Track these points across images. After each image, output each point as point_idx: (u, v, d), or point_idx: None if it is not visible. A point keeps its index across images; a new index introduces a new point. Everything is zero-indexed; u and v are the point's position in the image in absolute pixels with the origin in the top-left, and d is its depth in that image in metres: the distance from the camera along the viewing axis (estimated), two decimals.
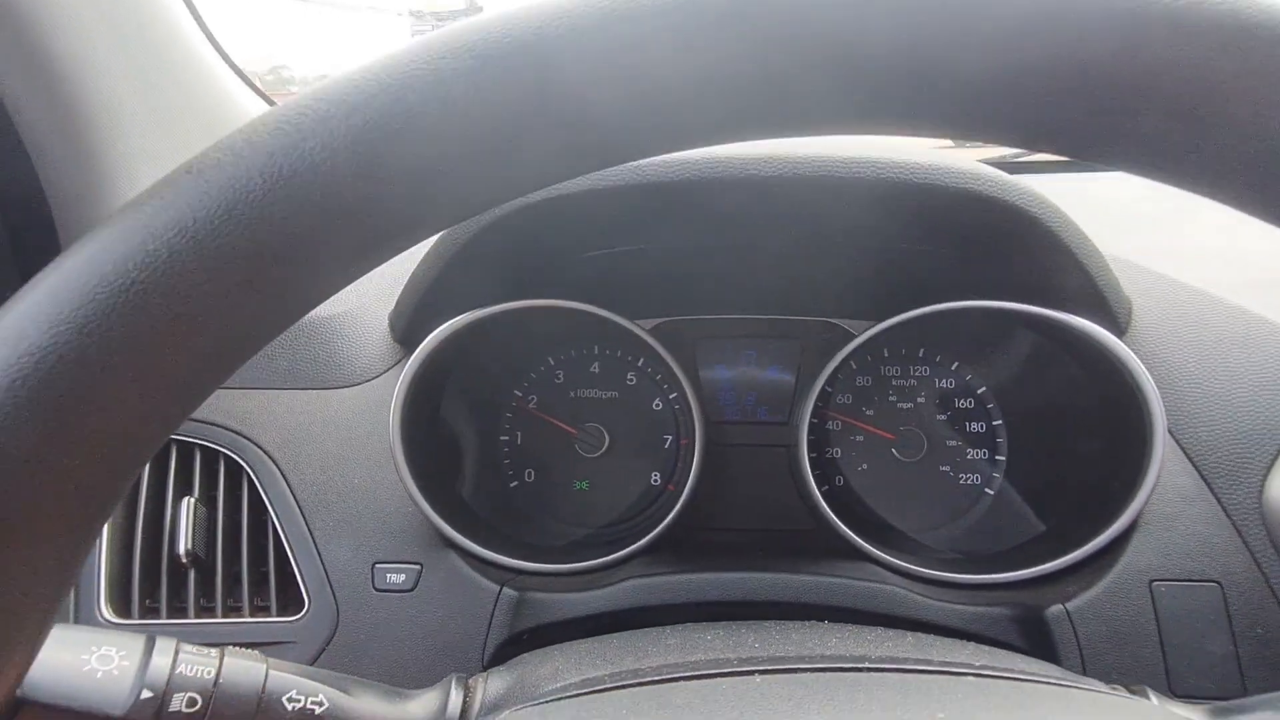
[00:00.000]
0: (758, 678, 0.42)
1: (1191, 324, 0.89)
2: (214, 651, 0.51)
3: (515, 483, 1.10)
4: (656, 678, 0.45)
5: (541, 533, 1.07)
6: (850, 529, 0.92)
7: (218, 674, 0.49)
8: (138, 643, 0.49)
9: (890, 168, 0.75)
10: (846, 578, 0.87)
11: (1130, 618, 0.77)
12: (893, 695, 0.40)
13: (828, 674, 0.43)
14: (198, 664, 0.49)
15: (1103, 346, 0.82)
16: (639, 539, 0.93)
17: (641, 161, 0.77)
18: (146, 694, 0.46)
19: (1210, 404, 0.84)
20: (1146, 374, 0.80)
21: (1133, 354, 0.81)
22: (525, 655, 0.62)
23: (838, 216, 0.84)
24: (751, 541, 1.07)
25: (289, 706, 0.51)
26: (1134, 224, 1.11)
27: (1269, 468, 0.79)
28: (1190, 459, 0.82)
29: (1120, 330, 0.88)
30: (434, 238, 0.90)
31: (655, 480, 1.10)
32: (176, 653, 0.49)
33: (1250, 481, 0.79)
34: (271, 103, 1.19)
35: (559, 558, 0.93)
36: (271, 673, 0.51)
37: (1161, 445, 0.79)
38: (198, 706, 0.48)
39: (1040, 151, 0.34)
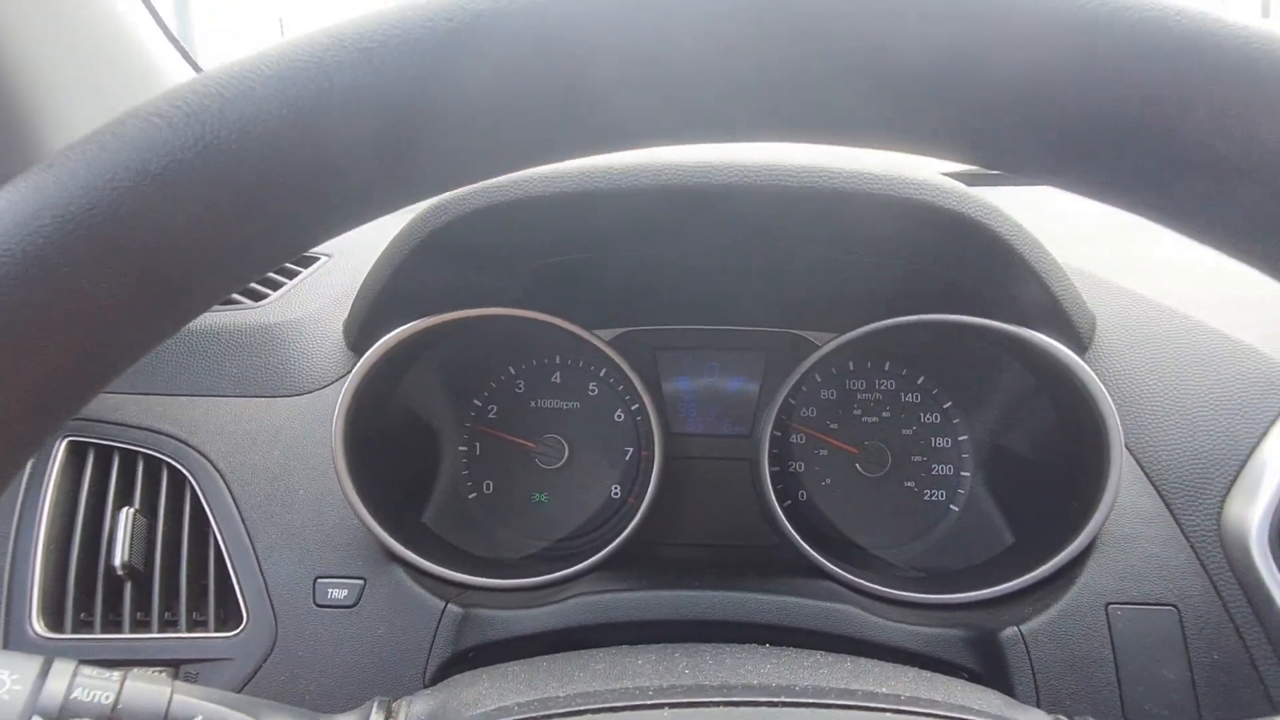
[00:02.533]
0: (666, 711, 0.40)
1: (1156, 342, 0.88)
2: (116, 674, 0.48)
3: (474, 494, 1.08)
4: (566, 709, 0.43)
5: (499, 546, 1.05)
6: (811, 545, 0.90)
7: (116, 699, 0.47)
8: (33, 665, 0.47)
9: (845, 177, 0.73)
10: (801, 596, 0.85)
11: (1085, 641, 0.75)
12: None
13: (740, 708, 0.41)
14: (95, 688, 0.47)
15: (1061, 364, 0.81)
16: (596, 553, 0.91)
17: (590, 167, 0.76)
18: None
19: (1171, 424, 0.82)
20: (1104, 392, 0.78)
21: (1091, 372, 0.79)
22: (454, 678, 0.60)
23: (793, 226, 0.82)
24: (711, 557, 1.05)
25: None
26: (1100, 235, 1.10)
27: (1228, 489, 0.77)
28: (1150, 479, 0.81)
29: (1083, 347, 0.87)
30: (388, 242, 0.88)
31: (615, 493, 1.08)
32: (74, 676, 0.47)
33: (1209, 503, 0.78)
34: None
35: (511, 572, 0.91)
36: (176, 697, 0.49)
37: (1119, 466, 0.77)
38: None
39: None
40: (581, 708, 0.43)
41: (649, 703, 0.42)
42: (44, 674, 0.46)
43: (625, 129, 0.31)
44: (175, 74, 1.10)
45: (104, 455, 0.90)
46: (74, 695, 0.46)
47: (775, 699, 0.42)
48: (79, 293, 0.27)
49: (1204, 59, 0.26)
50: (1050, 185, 0.33)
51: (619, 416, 1.09)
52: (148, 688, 0.48)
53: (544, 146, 0.32)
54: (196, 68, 1.16)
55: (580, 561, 0.91)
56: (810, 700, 0.42)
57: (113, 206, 0.27)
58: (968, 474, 1.04)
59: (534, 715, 0.43)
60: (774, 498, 0.94)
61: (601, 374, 1.09)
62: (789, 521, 0.91)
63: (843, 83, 0.28)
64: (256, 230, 0.30)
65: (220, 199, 0.28)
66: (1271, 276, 0.32)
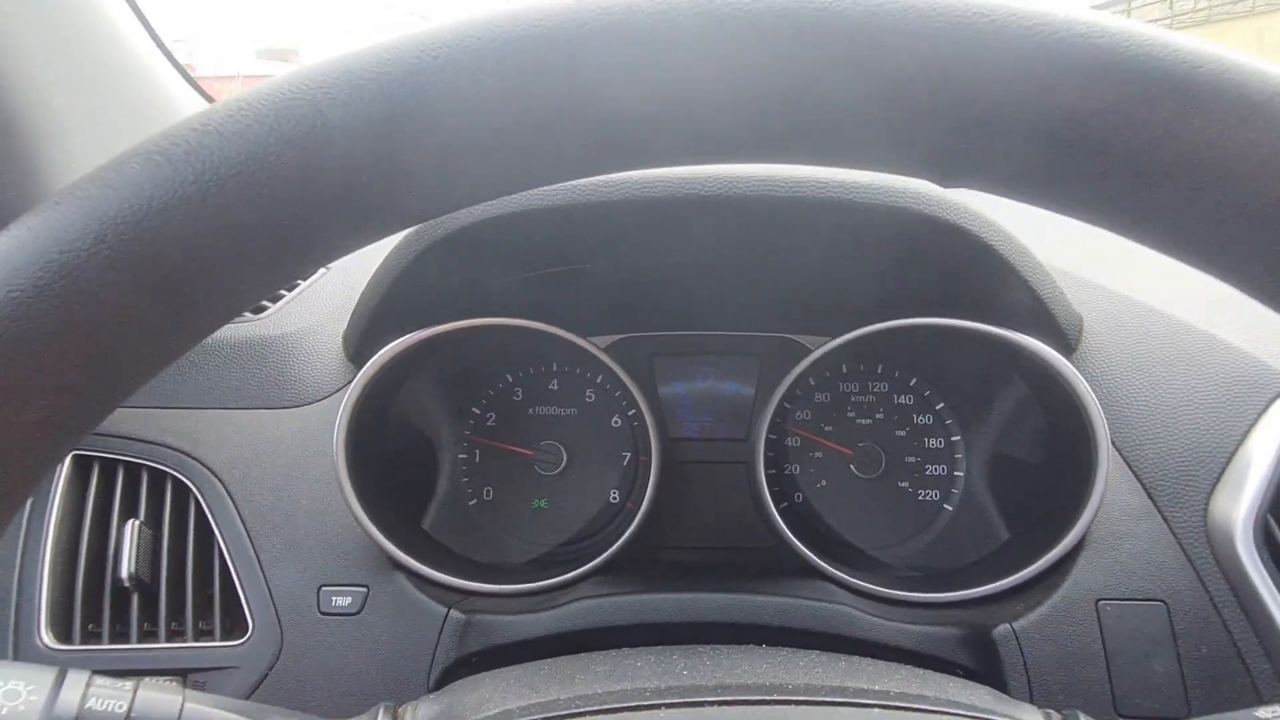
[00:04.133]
0: (663, 711, 0.42)
1: (1142, 342, 0.89)
2: (129, 684, 0.50)
3: (474, 501, 1.09)
4: (567, 712, 0.44)
5: (500, 552, 1.06)
6: (807, 547, 0.91)
7: (130, 707, 0.49)
8: (47, 676, 0.48)
9: (830, 186, 0.75)
10: (799, 597, 0.86)
11: (1076, 638, 0.77)
12: None
13: (734, 707, 0.42)
14: (109, 698, 0.48)
15: (1048, 365, 0.82)
16: (595, 558, 0.93)
17: (582, 181, 0.78)
18: None
19: (1158, 422, 0.84)
20: (1090, 392, 0.80)
21: (1076, 372, 0.81)
22: (458, 682, 0.62)
23: (781, 233, 0.84)
24: (710, 560, 1.06)
25: None
26: (1085, 236, 1.11)
27: (1213, 486, 0.79)
28: (1137, 477, 0.82)
29: (1069, 348, 0.88)
30: (385, 255, 0.89)
31: (614, 498, 1.09)
32: (88, 686, 0.48)
33: (1195, 500, 0.79)
34: (210, 100, 1.18)
35: (512, 578, 0.92)
36: (188, 705, 0.50)
37: (1106, 464, 0.79)
38: None
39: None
40: (581, 710, 0.44)
41: (647, 703, 0.43)
42: (59, 684, 0.47)
43: (619, 151, 0.32)
44: (182, 100, 1.12)
45: (108, 468, 0.91)
46: (89, 705, 0.48)
47: (769, 698, 0.43)
48: (86, 319, 0.29)
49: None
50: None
51: (616, 422, 1.10)
52: (160, 696, 0.50)
53: (543, 169, 0.33)
54: (203, 94, 1.17)
55: (580, 566, 0.92)
56: (803, 698, 0.43)
57: (120, 236, 0.28)
58: (961, 474, 1.05)
59: (536, 718, 0.45)
60: (770, 500, 0.95)
61: (598, 380, 1.10)
62: (785, 523, 0.93)
63: (855, 110, 0.29)
64: (261, 256, 0.31)
65: (224, 228, 0.29)
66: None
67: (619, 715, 0.43)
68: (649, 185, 0.75)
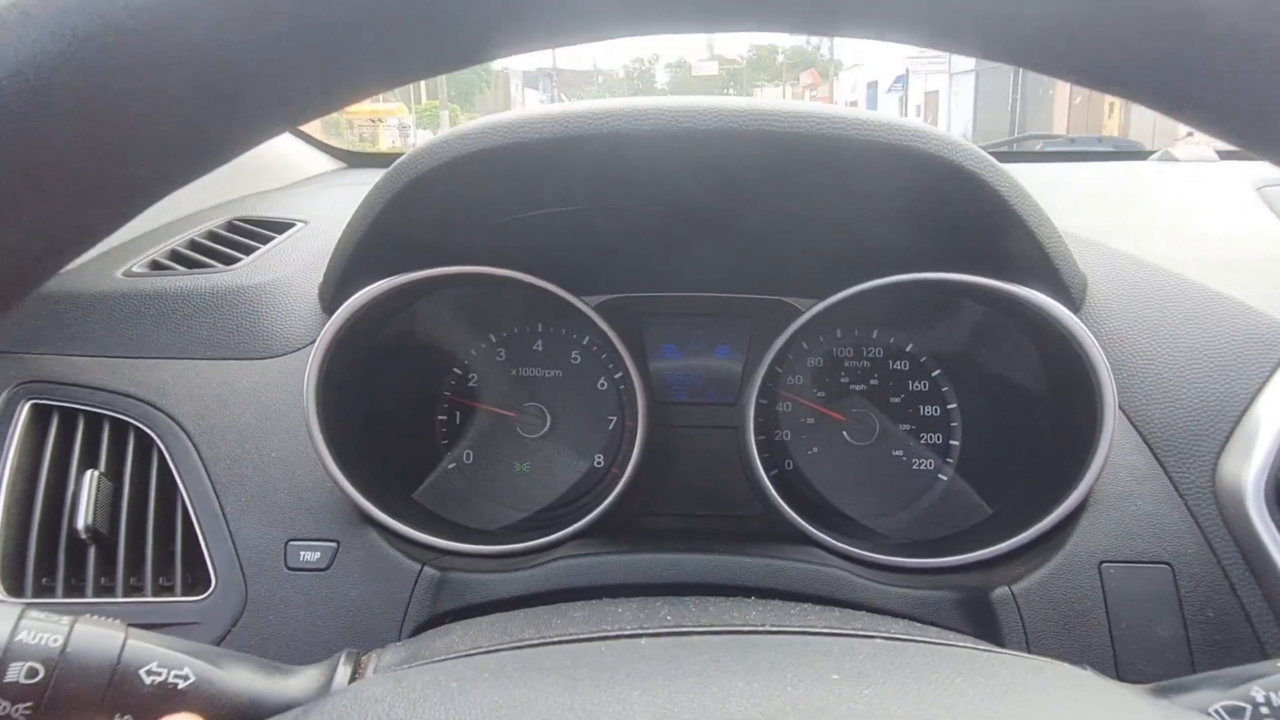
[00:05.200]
0: (644, 641, 0.38)
1: (1148, 301, 0.86)
2: (66, 619, 0.46)
3: (453, 464, 1.05)
4: (537, 641, 0.40)
5: (480, 516, 1.02)
6: (798, 514, 0.88)
7: (65, 642, 0.45)
8: None
9: (835, 122, 0.71)
10: (788, 559, 0.83)
11: (1078, 600, 0.74)
12: (786, 657, 0.36)
13: (721, 636, 0.39)
14: (43, 632, 0.44)
15: (1055, 320, 0.79)
16: (577, 522, 0.89)
17: (570, 111, 0.74)
18: None
19: (1165, 382, 0.81)
20: (1098, 348, 0.77)
21: (1084, 327, 0.78)
22: (428, 631, 0.58)
23: (777, 177, 0.80)
24: (696, 527, 1.03)
25: (147, 680, 0.46)
26: (1090, 203, 1.08)
27: (1222, 446, 0.76)
28: (1143, 437, 0.79)
29: (1075, 306, 0.85)
30: (360, 202, 0.85)
31: (599, 462, 1.06)
32: (19, 619, 0.44)
33: (1203, 461, 0.76)
34: None
35: (491, 539, 0.88)
36: (130, 643, 0.46)
37: (1112, 422, 0.76)
38: (39, 678, 0.43)
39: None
40: (556, 639, 0.40)
41: (626, 634, 0.39)
42: None
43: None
44: None
45: (69, 418, 0.87)
46: (19, 638, 0.44)
47: (760, 628, 0.40)
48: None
49: None
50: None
51: (602, 384, 1.07)
52: (99, 631, 0.46)
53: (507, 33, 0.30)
54: None
55: (561, 529, 0.89)
56: (796, 630, 0.40)
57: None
58: (956, 442, 1.02)
59: (502, 648, 0.41)
60: (760, 466, 0.91)
61: (584, 342, 1.07)
62: (776, 490, 0.89)
63: None
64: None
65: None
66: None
67: (595, 645, 0.39)
68: (641, 116, 0.71)
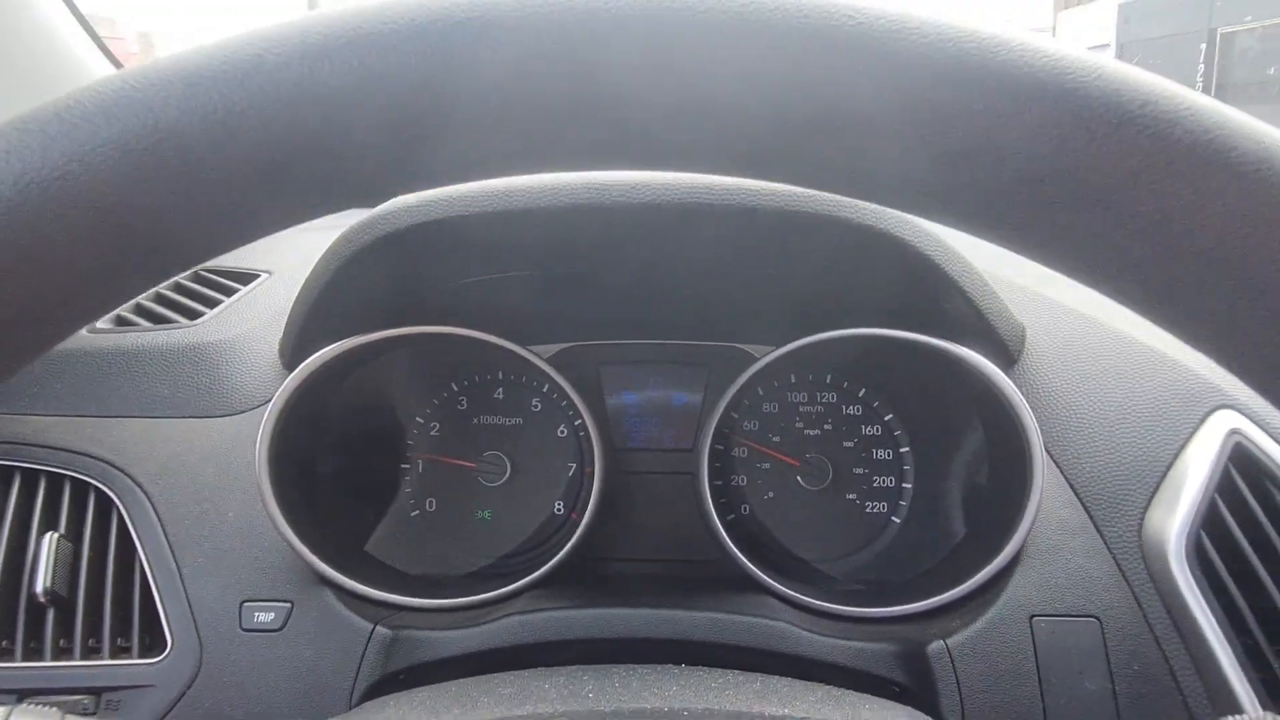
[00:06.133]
0: None
1: (1082, 354, 0.89)
2: (2, 709, 0.48)
3: (416, 512, 1.07)
4: None
5: (442, 564, 1.04)
6: (752, 560, 0.90)
7: None
8: None
9: (764, 195, 0.74)
10: (735, 613, 0.85)
11: (1009, 654, 0.76)
12: None
13: None
14: None
15: (983, 377, 0.81)
16: (536, 570, 0.91)
17: (519, 185, 0.76)
18: None
19: (1095, 435, 0.83)
20: (1025, 404, 0.79)
21: (1012, 384, 0.80)
22: (367, 704, 0.60)
23: (719, 242, 0.82)
24: (655, 573, 1.05)
25: None
26: None
27: (1149, 500, 0.78)
28: (1075, 491, 0.81)
29: (1011, 360, 0.87)
30: (318, 259, 0.87)
31: (559, 509, 1.08)
32: None
33: (1131, 514, 0.78)
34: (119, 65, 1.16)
35: (446, 592, 0.90)
36: None
37: (1040, 478, 0.78)
38: None
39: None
40: None
41: (545, 716, 0.41)
42: None
43: (631, 148, 0.31)
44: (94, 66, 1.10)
45: (30, 479, 0.89)
46: None
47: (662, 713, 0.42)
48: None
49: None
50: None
51: (562, 432, 1.09)
52: None
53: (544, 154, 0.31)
54: (117, 65, 1.15)
55: (521, 578, 0.90)
56: (701, 710, 0.42)
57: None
58: (909, 486, 1.04)
59: None
60: (715, 512, 0.93)
61: (544, 390, 1.09)
62: (731, 536, 0.91)
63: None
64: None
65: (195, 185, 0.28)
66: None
67: None
68: (585, 191, 0.74)
